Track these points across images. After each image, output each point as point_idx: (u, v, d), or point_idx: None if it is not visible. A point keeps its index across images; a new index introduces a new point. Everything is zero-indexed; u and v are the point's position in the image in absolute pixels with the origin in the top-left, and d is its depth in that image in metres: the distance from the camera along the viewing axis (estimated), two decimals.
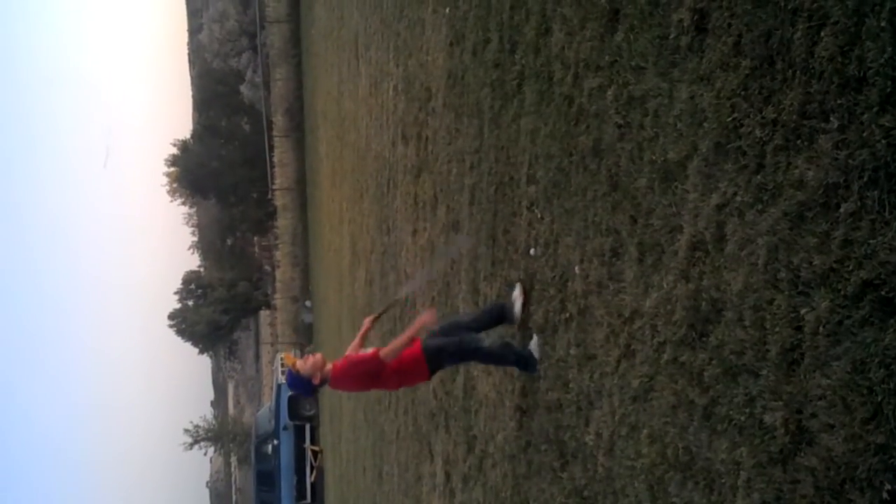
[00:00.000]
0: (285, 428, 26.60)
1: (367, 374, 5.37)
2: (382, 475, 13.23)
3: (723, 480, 3.18)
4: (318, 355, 5.40)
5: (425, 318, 5.51)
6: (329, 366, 5.35)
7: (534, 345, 5.37)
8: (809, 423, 2.68)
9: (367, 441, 15.26)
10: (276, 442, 26.79)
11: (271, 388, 30.40)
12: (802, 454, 2.71)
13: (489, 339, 5.75)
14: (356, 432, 17.09)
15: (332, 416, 23.10)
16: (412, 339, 5.37)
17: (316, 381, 5.32)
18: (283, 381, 23.04)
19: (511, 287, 5.78)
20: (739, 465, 3.05)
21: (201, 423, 55.22)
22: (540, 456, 5.38)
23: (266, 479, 27.54)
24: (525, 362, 5.44)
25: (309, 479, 26.47)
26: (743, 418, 3.03)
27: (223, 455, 68.60)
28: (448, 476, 8.25)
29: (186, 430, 54.09)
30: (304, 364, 5.34)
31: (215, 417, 65.19)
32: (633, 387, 3.96)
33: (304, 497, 26.77)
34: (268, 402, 31.74)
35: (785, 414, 2.79)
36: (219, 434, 55.15)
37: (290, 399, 26.86)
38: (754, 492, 2.97)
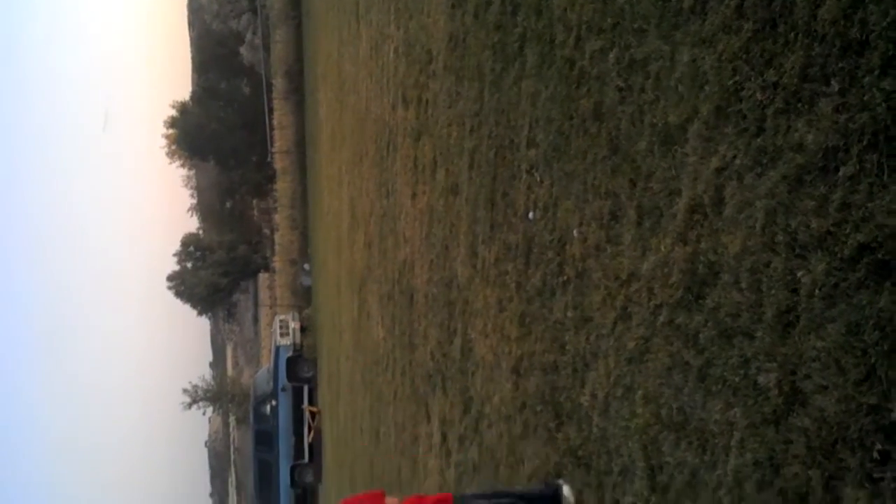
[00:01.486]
0: (283, 389, 26.81)
1: None
2: (379, 436, 13.37)
3: (716, 440, 3.22)
4: None
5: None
6: None
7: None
8: (803, 384, 2.71)
9: (364, 402, 15.39)
10: (274, 403, 27.01)
11: (270, 351, 30.59)
12: (795, 415, 2.75)
13: None
14: (354, 394, 17.23)
15: (331, 377, 23.26)
16: None
17: None
18: (281, 343, 23.17)
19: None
20: (733, 426, 3.09)
21: (200, 384, 55.56)
22: (535, 417, 5.44)
23: (264, 439, 27.82)
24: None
25: (307, 440, 26.74)
26: (737, 379, 3.06)
27: (221, 415, 69.19)
28: (444, 436, 8.34)
29: (185, 391, 54.44)
30: None
31: (214, 378, 65.58)
32: (629, 349, 4.00)
33: (302, 457, 27.07)
34: (266, 364, 31.97)
35: (779, 375, 2.82)
36: (217, 394, 55.51)
37: (289, 361, 27.05)
38: (747, 451, 3.01)
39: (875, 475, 2.44)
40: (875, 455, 2.44)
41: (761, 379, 2.91)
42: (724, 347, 3.16)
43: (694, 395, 3.38)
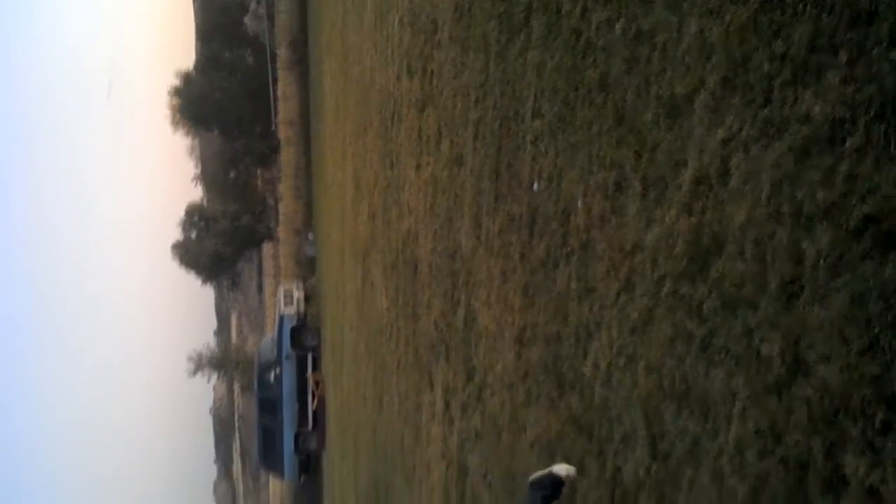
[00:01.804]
0: (287, 357, 26.97)
1: None
2: (383, 404, 13.47)
3: (718, 409, 3.25)
4: None
5: None
6: None
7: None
8: (806, 354, 2.74)
9: (367, 371, 15.49)
10: (278, 371, 27.20)
11: (274, 319, 30.74)
12: (798, 384, 2.78)
13: None
14: (357, 362, 17.34)
15: (334, 346, 23.38)
16: None
17: None
18: (285, 312, 23.27)
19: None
20: (735, 395, 3.12)
21: (204, 351, 55.80)
22: (538, 385, 5.49)
23: (268, 407, 28.05)
24: None
25: (311, 407, 26.95)
26: (740, 349, 3.09)
27: (226, 383, 69.61)
28: (447, 405, 8.41)
29: (189, 358, 54.69)
30: None
31: (218, 346, 65.88)
32: (632, 319, 4.02)
33: (306, 424, 27.30)
34: (270, 333, 32.15)
35: (782, 345, 2.84)
36: (222, 362, 55.75)
37: (293, 329, 27.18)
38: (749, 420, 3.04)
39: (876, 444, 2.47)
40: (877, 424, 2.47)
41: (764, 349, 2.94)
42: (727, 318, 3.18)
43: (696, 364, 3.41)
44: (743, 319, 3.07)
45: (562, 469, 4.82)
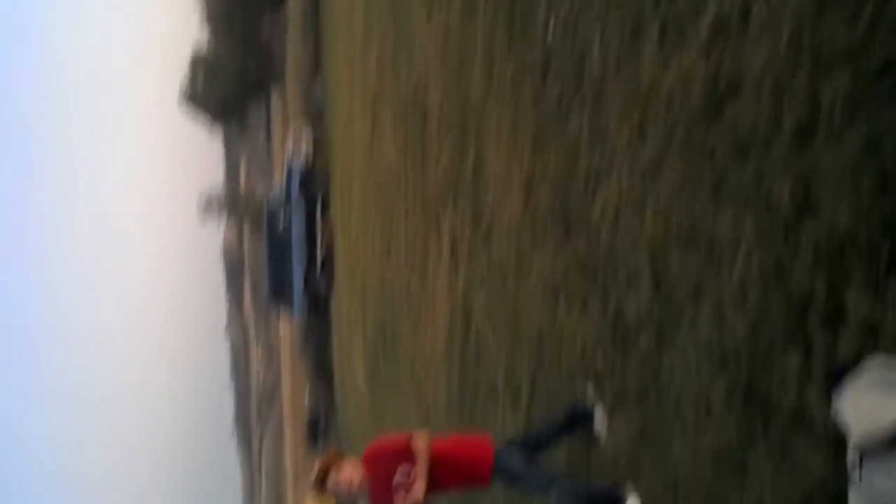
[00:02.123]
0: (296, 203, 27.17)
1: None
2: (390, 250, 13.69)
3: (724, 251, 3.32)
4: (358, 475, 4.12)
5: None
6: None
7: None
8: (817, 195, 2.76)
9: (375, 218, 15.64)
10: (287, 216, 27.47)
11: (283, 165, 30.71)
12: (806, 225, 2.81)
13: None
14: (366, 210, 17.48)
15: (343, 193, 23.49)
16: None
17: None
18: (294, 159, 23.29)
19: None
20: (742, 236, 3.18)
21: (214, 195, 56.18)
22: (544, 231, 5.57)
23: (278, 251, 28.51)
24: None
25: (319, 252, 27.39)
26: (750, 192, 3.11)
27: (236, 226, 70.40)
28: (454, 250, 8.55)
29: (200, 200, 55.11)
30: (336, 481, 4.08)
31: (228, 191, 66.26)
32: (643, 164, 4.04)
33: (315, 268, 27.83)
34: (279, 178, 32.23)
35: (793, 187, 2.86)
36: (232, 204, 56.23)
37: (302, 175, 27.25)
38: (754, 261, 3.11)
39: (879, 282, 2.53)
40: (881, 263, 2.53)
41: (775, 191, 2.96)
42: (739, 161, 3.20)
43: (706, 207, 3.44)
44: (755, 162, 3.09)
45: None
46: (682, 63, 3.69)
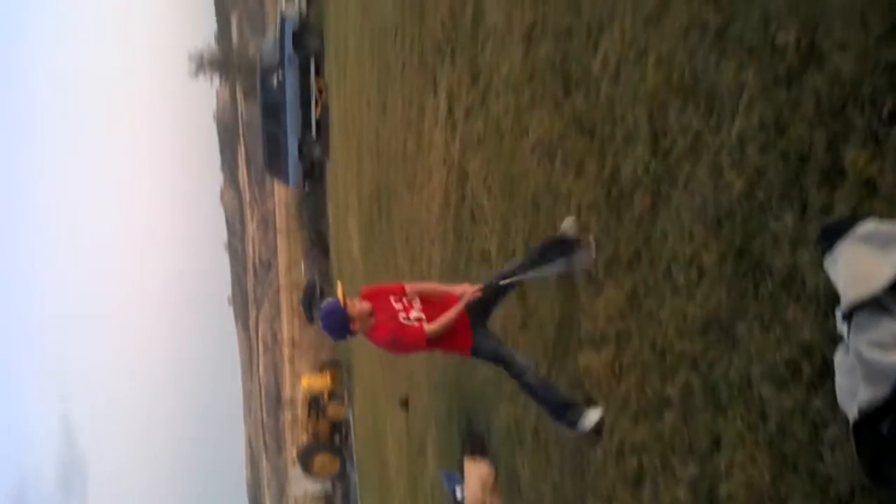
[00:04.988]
0: (290, 60, 26.49)
1: (407, 349, 4.95)
2: (386, 109, 13.43)
3: (724, 103, 3.18)
4: (367, 305, 4.77)
5: (470, 293, 4.84)
6: (372, 320, 4.79)
7: (591, 418, 4.56)
8: (822, 41, 2.62)
9: (371, 75, 15.28)
10: (281, 75, 26.83)
11: (275, 20, 29.79)
12: (809, 74, 2.69)
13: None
14: (361, 66, 17.07)
15: (337, 50, 22.92)
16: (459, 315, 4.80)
17: (354, 329, 4.81)
18: (287, 12, 22.48)
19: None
20: (743, 87, 3.04)
21: (206, 51, 54.85)
22: (543, 86, 5.39)
23: (272, 112, 28.00)
24: (563, 414, 4.67)
25: (314, 114, 26.96)
26: (755, 39, 2.96)
27: (228, 87, 69.19)
28: (451, 109, 8.35)
29: (191, 57, 53.86)
30: (354, 307, 4.73)
31: (219, 47, 64.69)
32: (647, 9, 3.84)
33: (310, 131, 27.46)
34: (272, 34, 31.30)
35: (798, 33, 2.71)
36: (224, 62, 55.00)
37: (295, 31, 26.47)
38: (754, 113, 2.98)
39: (880, 135, 2.43)
40: (883, 114, 2.42)
41: (780, 37, 2.81)
42: (745, 4, 3.02)
43: (708, 56, 3.29)
44: (762, 5, 2.91)
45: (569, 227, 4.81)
46: None
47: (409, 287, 4.99)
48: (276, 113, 27.51)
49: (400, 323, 4.77)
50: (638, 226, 3.99)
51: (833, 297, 2.45)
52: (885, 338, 2.13)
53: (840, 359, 2.35)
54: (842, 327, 2.31)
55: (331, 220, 29.57)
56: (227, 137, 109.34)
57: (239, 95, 69.67)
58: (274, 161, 30.33)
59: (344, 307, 4.72)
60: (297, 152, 28.65)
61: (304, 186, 32.56)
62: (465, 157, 7.80)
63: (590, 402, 4.59)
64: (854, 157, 2.53)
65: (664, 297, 3.72)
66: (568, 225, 4.82)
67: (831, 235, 2.40)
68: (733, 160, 3.13)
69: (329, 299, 4.86)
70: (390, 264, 13.42)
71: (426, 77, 9.74)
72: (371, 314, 4.78)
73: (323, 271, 33.50)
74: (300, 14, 27.65)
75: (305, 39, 26.78)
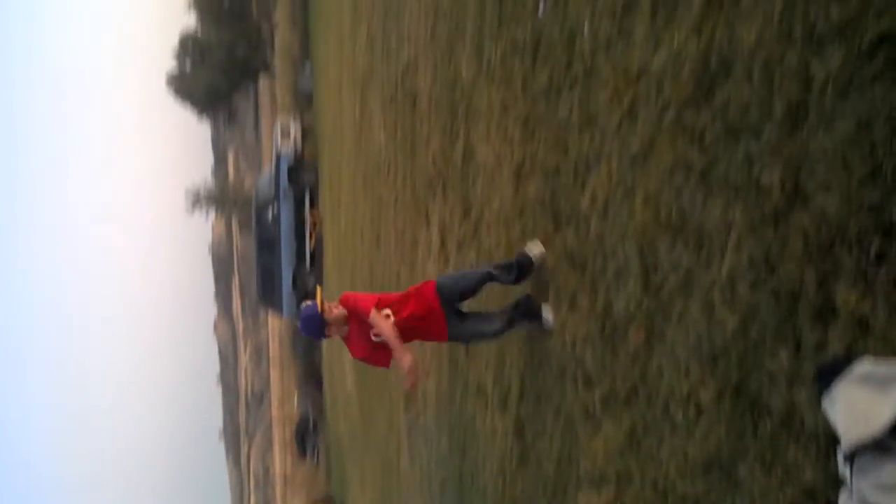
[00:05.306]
0: (285, 194, 26.98)
1: (377, 365, 5.34)
2: (380, 241, 13.57)
3: (713, 241, 3.20)
4: (343, 312, 5.11)
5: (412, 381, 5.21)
6: (346, 328, 5.16)
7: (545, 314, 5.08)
8: (806, 182, 2.66)
9: (365, 207, 15.52)
10: (276, 208, 27.28)
11: (271, 155, 30.51)
12: (795, 214, 2.71)
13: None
14: (355, 199, 17.36)
15: (332, 183, 23.35)
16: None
17: (329, 334, 5.18)
18: (282, 148, 23.07)
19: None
20: (731, 225, 3.07)
21: (202, 187, 55.89)
22: (534, 221, 5.45)
23: (267, 244, 28.31)
24: (529, 318, 5.18)
25: (308, 245, 27.24)
26: (740, 178, 3.00)
27: (224, 220, 70.18)
28: (443, 241, 8.43)
29: (187, 193, 54.83)
30: (331, 311, 5.08)
31: (216, 182, 65.97)
32: (633, 149, 3.92)
33: (304, 262, 27.68)
34: (268, 169, 32.01)
35: (783, 173, 2.76)
36: (220, 197, 55.97)
37: (290, 165, 27.07)
38: (743, 251, 3.00)
39: (869, 275, 2.43)
40: (871, 254, 2.43)
41: (764, 177, 2.85)
42: (729, 146, 3.08)
43: (695, 195, 3.33)
44: (745, 147, 2.97)
45: (534, 248, 5.23)
46: (673, 40, 3.57)
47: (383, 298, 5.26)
48: (271, 245, 27.81)
49: (371, 344, 5.16)
50: (633, 361, 3.94)
51: (833, 437, 2.40)
52: (889, 481, 2.07)
53: (844, 503, 2.28)
54: (844, 470, 2.25)
55: (324, 352, 29.38)
56: (221, 269, 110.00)
57: (234, 228, 70.61)
58: (268, 292, 30.43)
59: (321, 312, 5.04)
60: (291, 283, 28.78)
61: (297, 316, 32.49)
62: None
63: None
64: (845, 295, 2.52)
65: (663, 436, 3.64)
66: (537, 251, 5.19)
67: (827, 375, 2.37)
68: (725, 297, 3.12)
69: (309, 303, 5.16)
70: (385, 398, 13.24)
71: (419, 210, 9.88)
72: (346, 321, 5.11)
73: (316, 404, 33.01)
74: (295, 149, 28.36)
75: (300, 174, 27.37)
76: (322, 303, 5.07)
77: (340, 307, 5.11)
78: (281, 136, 28.73)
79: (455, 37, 7.64)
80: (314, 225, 26.78)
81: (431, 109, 8.99)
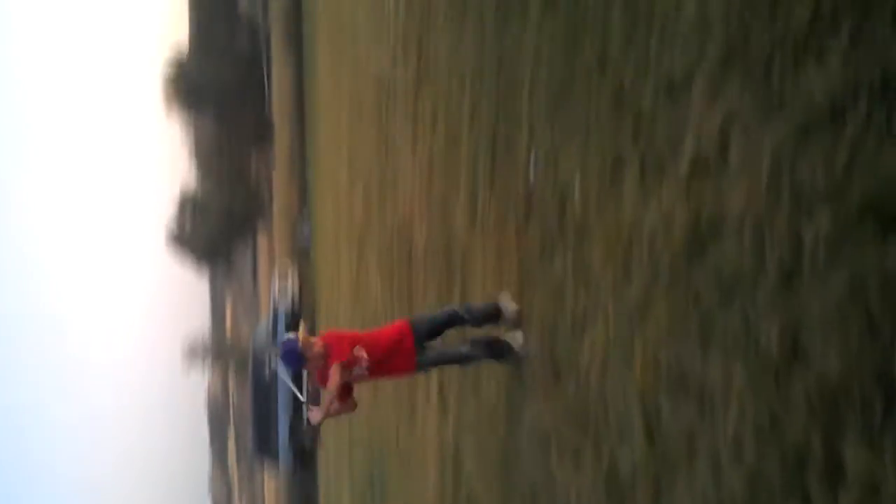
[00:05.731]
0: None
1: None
2: (377, 394, 13.40)
3: (715, 398, 3.17)
4: (321, 349, 5.43)
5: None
6: (323, 362, 5.45)
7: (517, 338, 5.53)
8: (805, 340, 2.66)
9: None
10: (272, 362, 27.10)
11: (269, 307, 30.63)
12: (796, 372, 2.70)
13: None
14: None
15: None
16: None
17: (308, 368, 5.57)
18: (279, 299, 23.11)
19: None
20: (733, 383, 3.04)
21: (200, 341, 55.82)
22: (533, 374, 5.41)
23: (263, 396, 27.95)
24: (501, 353, 5.63)
25: (305, 396, 26.87)
26: (738, 336, 3.00)
27: (221, 372, 69.67)
28: (442, 396, 8.34)
29: (185, 348, 54.74)
30: (312, 349, 5.40)
31: (213, 334, 65.89)
32: (629, 305, 3.94)
33: (301, 418, 27.24)
34: (265, 319, 32.05)
35: (780, 331, 2.76)
36: (217, 351, 55.82)
37: (287, 318, 27.10)
38: (746, 409, 2.96)
39: (875, 435, 2.39)
40: (876, 414, 2.40)
41: (762, 335, 2.85)
42: (725, 303, 3.10)
43: (694, 351, 3.32)
44: (741, 305, 2.99)
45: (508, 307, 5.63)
46: (662, 201, 3.66)
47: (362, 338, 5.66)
48: (268, 399, 27.46)
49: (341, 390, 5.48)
50: None
51: None
52: None
53: None
54: None
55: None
56: (216, 423, 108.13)
57: (230, 380, 69.96)
58: (264, 444, 29.81)
59: (301, 349, 5.37)
60: (287, 434, 28.25)
61: (294, 471, 31.73)
62: (458, 444, 7.67)
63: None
64: (853, 455, 2.47)
65: None
66: (509, 305, 5.61)
67: None
68: (732, 458, 3.06)
69: (290, 336, 5.47)
70: None
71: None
72: (324, 356, 5.39)
73: None
74: (293, 300, 28.51)
75: (298, 322, 27.38)
76: (304, 339, 5.40)
77: (320, 344, 5.42)
78: (279, 286, 28.97)
79: (449, 193, 7.83)
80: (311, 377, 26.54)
81: (427, 261, 9.11)
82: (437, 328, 5.77)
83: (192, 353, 54.46)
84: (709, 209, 3.26)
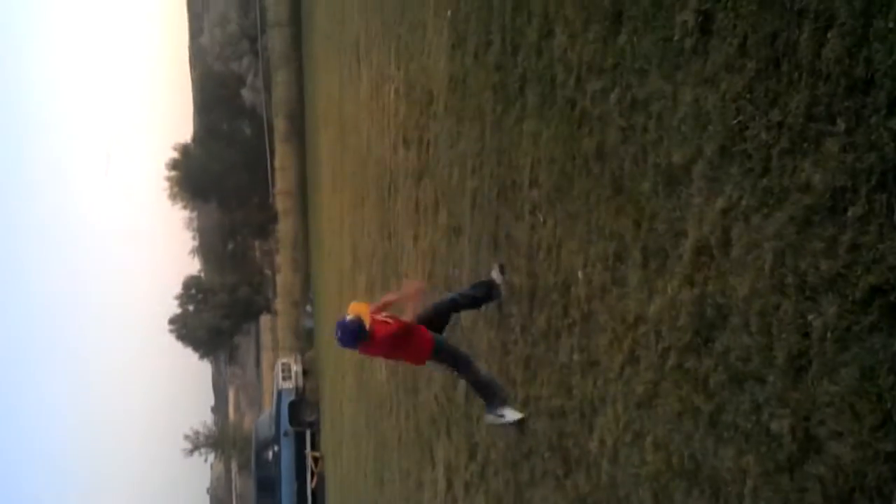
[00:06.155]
0: (286, 434, 26.52)
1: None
2: (384, 481, 13.17)
3: (729, 488, 3.13)
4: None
5: (413, 290, 6.26)
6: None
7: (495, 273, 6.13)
8: (817, 430, 2.64)
9: (368, 447, 15.21)
10: (276, 448, 26.72)
11: (272, 394, 30.36)
12: (810, 462, 2.67)
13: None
14: (357, 438, 17.04)
15: (333, 421, 23.04)
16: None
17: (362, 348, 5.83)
18: (283, 387, 22.80)
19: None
20: (746, 473, 3.01)
21: (201, 429, 55.10)
22: (543, 463, 5.33)
23: (267, 486, 27.45)
24: (494, 406, 5.90)
25: (310, 486, 26.39)
26: (749, 426, 2.98)
27: (224, 461, 68.49)
28: (450, 483, 8.19)
29: (187, 437, 53.97)
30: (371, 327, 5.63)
31: (216, 423, 65.07)
32: (638, 393, 3.91)
33: (305, 503, 26.69)
34: (268, 408, 31.72)
35: (792, 421, 2.74)
36: (219, 440, 55.01)
37: (291, 405, 26.82)
38: (761, 500, 2.92)
39: None
40: (893, 501, 2.36)
41: (774, 425, 2.83)
42: (734, 392, 3.08)
43: (705, 441, 3.29)
44: (751, 394, 2.97)
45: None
46: (667, 289, 3.67)
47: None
48: (271, 486, 26.96)
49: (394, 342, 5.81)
50: None
51: None
52: None
53: None
54: None
55: None
56: None
57: (233, 468, 68.73)
58: None
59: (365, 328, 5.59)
60: None
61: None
62: None
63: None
64: None
65: None
66: (497, 274, 6.11)
67: None
68: None
69: (353, 317, 5.61)
70: None
71: (423, 450, 9.68)
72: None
73: None
74: (296, 387, 28.25)
75: (302, 411, 27.08)
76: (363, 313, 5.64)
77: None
78: (282, 373, 28.77)
79: (452, 281, 7.85)
80: (315, 462, 26.11)
81: None
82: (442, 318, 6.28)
83: (195, 445, 53.69)
84: (713, 297, 3.27)
